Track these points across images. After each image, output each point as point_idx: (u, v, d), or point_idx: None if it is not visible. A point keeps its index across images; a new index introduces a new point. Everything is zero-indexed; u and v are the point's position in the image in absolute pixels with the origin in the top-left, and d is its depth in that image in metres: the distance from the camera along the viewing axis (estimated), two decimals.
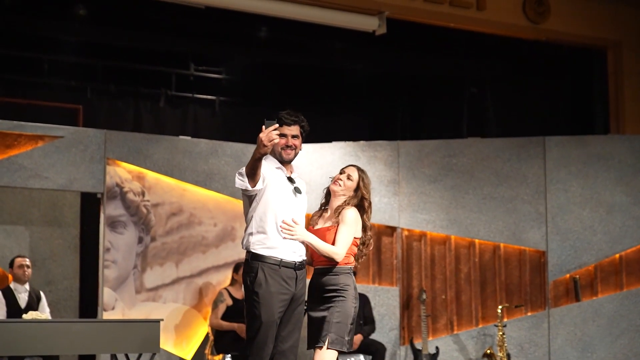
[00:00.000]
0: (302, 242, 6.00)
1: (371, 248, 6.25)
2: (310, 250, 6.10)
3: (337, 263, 6.02)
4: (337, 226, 6.06)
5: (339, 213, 6.08)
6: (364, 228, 6.17)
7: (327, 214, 6.22)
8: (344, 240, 6.02)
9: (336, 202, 6.19)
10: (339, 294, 6.00)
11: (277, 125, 5.56)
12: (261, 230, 5.89)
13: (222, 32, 11.47)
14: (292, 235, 5.91)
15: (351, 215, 6.06)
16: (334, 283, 6.03)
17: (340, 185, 6.18)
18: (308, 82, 12.62)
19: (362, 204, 6.14)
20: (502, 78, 12.75)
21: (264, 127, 5.57)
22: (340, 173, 6.23)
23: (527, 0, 11.46)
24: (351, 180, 6.17)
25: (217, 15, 10.67)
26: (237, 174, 5.79)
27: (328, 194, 6.28)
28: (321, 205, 6.33)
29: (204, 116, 12.45)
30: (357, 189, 6.17)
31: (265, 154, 5.61)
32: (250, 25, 11.22)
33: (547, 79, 12.61)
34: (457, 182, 11.12)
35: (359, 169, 6.24)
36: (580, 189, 11.07)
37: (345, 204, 6.12)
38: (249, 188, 5.78)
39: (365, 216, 6.16)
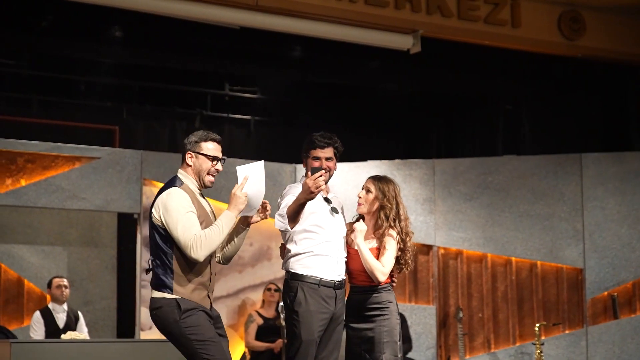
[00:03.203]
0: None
1: (409, 256, 6.13)
2: (349, 266, 6.08)
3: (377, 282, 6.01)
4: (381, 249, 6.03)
5: (382, 235, 6.03)
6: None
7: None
8: (389, 262, 5.99)
9: (369, 219, 6.15)
10: (383, 312, 5.99)
11: (323, 172, 5.63)
12: (300, 250, 5.91)
13: (257, 52, 11.51)
14: (359, 232, 5.96)
15: (394, 234, 6.03)
16: (377, 301, 6.01)
17: (361, 204, 6.14)
18: (342, 101, 12.63)
19: (385, 213, 6.07)
20: (538, 95, 12.70)
21: (309, 173, 5.65)
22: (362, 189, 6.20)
23: (562, 17, 11.42)
24: (371, 192, 6.12)
25: (252, 35, 10.71)
26: (277, 215, 5.83)
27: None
28: (358, 217, 6.26)
29: (239, 136, 12.48)
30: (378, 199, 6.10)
31: (311, 199, 5.67)
32: (285, 45, 11.25)
33: (583, 95, 12.54)
34: (493, 199, 11.09)
35: (377, 179, 6.14)
36: (617, 205, 10.99)
37: (381, 223, 6.06)
38: (289, 230, 5.83)
39: (393, 224, 6.07)
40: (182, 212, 5.28)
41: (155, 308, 5.37)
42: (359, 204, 6.13)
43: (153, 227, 5.42)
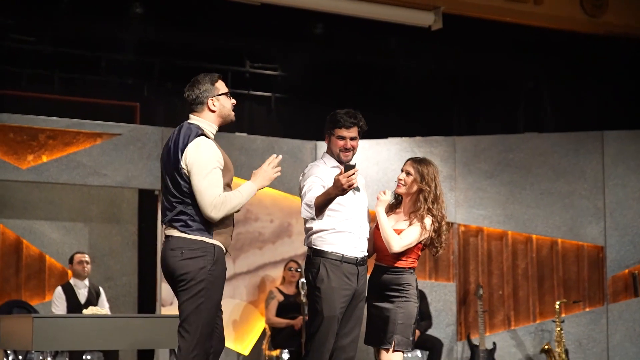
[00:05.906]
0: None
1: (444, 239, 6.06)
2: (376, 245, 6.07)
3: (401, 263, 5.99)
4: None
5: (417, 217, 5.98)
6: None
7: (400, 210, 6.13)
8: (410, 238, 5.96)
9: (408, 200, 6.10)
10: (402, 294, 5.96)
11: (357, 169, 5.53)
12: (322, 227, 5.90)
13: (278, 28, 11.49)
14: (381, 202, 5.96)
15: (429, 222, 6.01)
16: (398, 282, 5.98)
17: (402, 186, 6.10)
18: (363, 78, 12.60)
19: (424, 196, 6.01)
20: (559, 72, 12.64)
21: (342, 169, 5.59)
22: (402, 172, 6.16)
23: None
24: (410, 174, 6.09)
25: (273, 12, 10.69)
26: (304, 204, 5.76)
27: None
28: (396, 198, 6.20)
29: (259, 113, 12.46)
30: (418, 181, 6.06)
31: (342, 195, 5.61)
32: (306, 22, 11.23)
33: (605, 72, 12.48)
34: (514, 177, 11.07)
35: (417, 161, 6.08)
36: (639, 183, 10.96)
37: (420, 205, 6.02)
38: (315, 219, 5.80)
39: (431, 207, 6.03)
40: (210, 167, 5.15)
41: (190, 249, 5.18)
42: (399, 185, 6.09)
43: (181, 175, 5.24)
